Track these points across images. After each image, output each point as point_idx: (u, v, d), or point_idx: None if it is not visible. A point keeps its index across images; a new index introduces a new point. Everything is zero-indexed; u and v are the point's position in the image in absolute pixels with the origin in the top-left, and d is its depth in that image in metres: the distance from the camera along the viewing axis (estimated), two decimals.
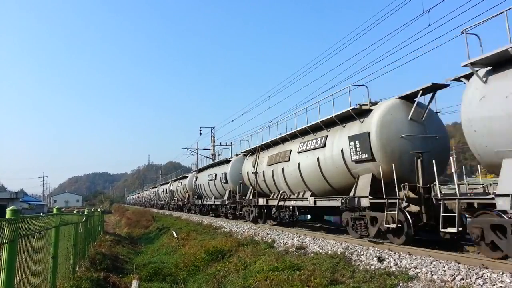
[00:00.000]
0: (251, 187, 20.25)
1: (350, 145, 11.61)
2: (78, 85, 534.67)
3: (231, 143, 36.50)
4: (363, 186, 11.11)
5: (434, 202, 9.19)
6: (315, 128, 14.09)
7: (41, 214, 7.30)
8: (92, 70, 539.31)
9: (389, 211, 9.60)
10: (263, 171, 18.11)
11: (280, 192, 16.55)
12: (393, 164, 10.01)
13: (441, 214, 8.45)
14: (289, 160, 15.34)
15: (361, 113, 11.70)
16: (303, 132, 14.97)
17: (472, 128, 7.85)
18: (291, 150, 15.44)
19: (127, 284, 8.76)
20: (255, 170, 18.98)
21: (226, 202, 23.91)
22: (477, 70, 7.89)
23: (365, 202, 10.64)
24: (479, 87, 7.84)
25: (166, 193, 49.86)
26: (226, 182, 24.06)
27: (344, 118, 12.43)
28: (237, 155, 24.73)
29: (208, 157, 42.20)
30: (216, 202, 27.10)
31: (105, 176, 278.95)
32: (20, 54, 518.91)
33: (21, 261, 4.35)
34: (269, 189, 18.15)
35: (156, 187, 65.16)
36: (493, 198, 7.41)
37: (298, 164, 14.49)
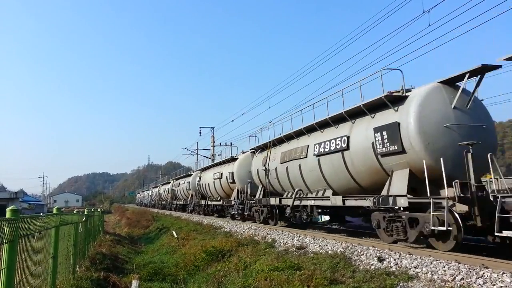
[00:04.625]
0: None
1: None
2: (78, 85, 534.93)
3: (231, 143, 36.18)
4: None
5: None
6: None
7: (41, 214, 7.30)
8: (92, 70, 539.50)
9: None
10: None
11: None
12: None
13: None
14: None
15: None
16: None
17: None
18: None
19: (127, 284, 8.76)
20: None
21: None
22: None
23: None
24: None
25: (168, 193, 48.47)
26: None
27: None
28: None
29: (208, 157, 42.25)
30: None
31: (105, 176, 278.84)
32: (20, 54, 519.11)
33: (21, 261, 4.35)
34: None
35: (157, 186, 63.82)
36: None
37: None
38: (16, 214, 4.00)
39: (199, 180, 31.19)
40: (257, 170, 19.24)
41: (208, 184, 28.04)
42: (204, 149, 48.47)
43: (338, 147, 12.11)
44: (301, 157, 14.35)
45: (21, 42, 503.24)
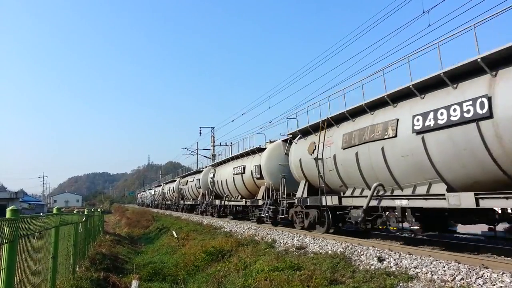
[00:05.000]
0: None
1: None
2: (78, 85, 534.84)
3: (231, 143, 36.01)
4: None
5: None
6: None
7: (41, 214, 7.30)
8: (92, 70, 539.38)
9: None
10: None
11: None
12: None
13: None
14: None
15: None
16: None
17: None
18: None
19: (127, 284, 8.76)
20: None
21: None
22: None
23: None
24: None
25: (173, 192, 44.44)
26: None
27: None
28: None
29: (208, 157, 42.21)
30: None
31: (105, 176, 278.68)
32: (20, 53, 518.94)
33: (21, 261, 4.35)
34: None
35: (160, 185, 59.52)
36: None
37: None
38: (16, 214, 4.00)
39: (213, 177, 26.82)
40: (299, 160, 15.02)
41: (226, 180, 23.69)
42: (204, 149, 48.46)
43: (468, 115, 7.99)
44: (385, 136, 10.33)
45: (21, 42, 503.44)
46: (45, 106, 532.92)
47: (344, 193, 12.81)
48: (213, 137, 44.31)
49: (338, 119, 13.06)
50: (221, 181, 24.69)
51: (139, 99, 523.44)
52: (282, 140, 18.41)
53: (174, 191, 44.12)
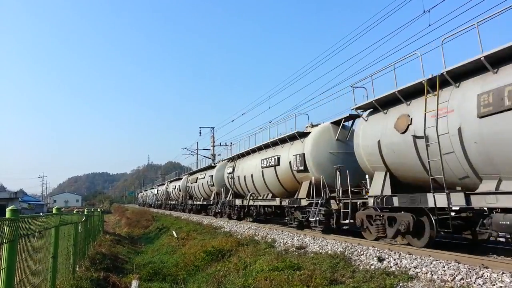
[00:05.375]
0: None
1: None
2: (78, 85, 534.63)
3: (231, 143, 35.62)
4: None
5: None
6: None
7: (41, 214, 7.30)
8: (92, 70, 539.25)
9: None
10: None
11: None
12: None
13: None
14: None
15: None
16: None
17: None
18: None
19: (127, 284, 8.76)
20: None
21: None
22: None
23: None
24: None
25: (179, 191, 40.52)
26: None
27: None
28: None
29: (208, 157, 42.16)
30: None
31: (105, 176, 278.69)
32: (20, 53, 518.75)
33: (21, 260, 4.35)
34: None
35: (164, 184, 54.77)
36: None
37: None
38: (16, 214, 4.00)
39: (232, 172, 22.62)
40: (378, 142, 10.63)
41: (251, 175, 19.36)
42: (204, 149, 48.44)
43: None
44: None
45: (21, 42, 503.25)
46: (45, 106, 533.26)
47: (476, 188, 8.14)
48: (213, 137, 44.32)
49: (461, 74, 8.40)
50: (244, 176, 20.45)
51: (139, 99, 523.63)
52: (331, 122, 14.68)
53: (180, 190, 39.53)
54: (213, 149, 43.46)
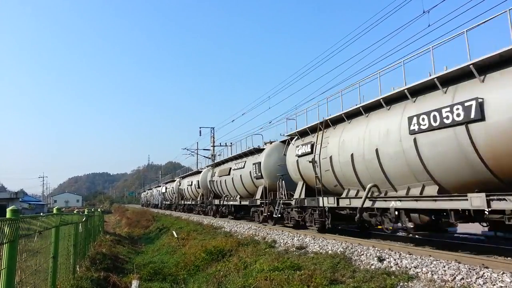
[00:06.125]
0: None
1: None
2: (78, 85, 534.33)
3: (231, 143, 35.80)
4: None
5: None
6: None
7: (41, 214, 7.30)
8: (92, 70, 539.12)
9: None
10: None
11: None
12: None
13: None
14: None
15: None
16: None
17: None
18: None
19: (127, 284, 8.77)
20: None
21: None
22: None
23: None
24: None
25: (198, 187, 33.80)
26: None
27: None
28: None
29: (208, 157, 42.15)
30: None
31: (105, 176, 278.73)
32: (20, 53, 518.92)
33: (21, 261, 4.35)
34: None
35: (174, 180, 47.36)
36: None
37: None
38: (16, 214, 4.00)
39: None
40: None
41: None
42: (204, 149, 48.43)
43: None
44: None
45: (21, 42, 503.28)
46: (45, 106, 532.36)
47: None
48: (213, 137, 44.26)
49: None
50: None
51: (139, 99, 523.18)
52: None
53: (199, 187, 35.67)
54: (213, 149, 43.43)
